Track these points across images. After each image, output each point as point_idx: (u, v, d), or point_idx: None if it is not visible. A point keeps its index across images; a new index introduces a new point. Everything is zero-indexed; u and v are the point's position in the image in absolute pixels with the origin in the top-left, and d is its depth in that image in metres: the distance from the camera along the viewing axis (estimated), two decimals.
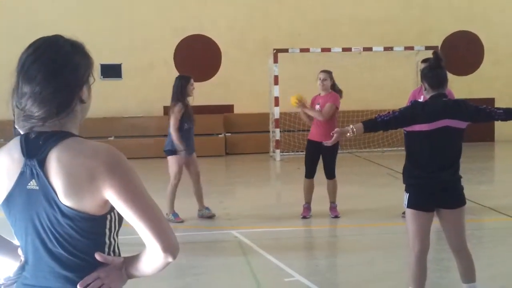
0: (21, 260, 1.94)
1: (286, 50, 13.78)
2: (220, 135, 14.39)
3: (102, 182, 1.78)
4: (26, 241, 1.88)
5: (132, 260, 1.91)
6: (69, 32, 1.96)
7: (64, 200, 1.78)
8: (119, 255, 1.94)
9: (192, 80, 7.52)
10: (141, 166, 10.35)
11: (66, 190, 1.78)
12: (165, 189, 7.50)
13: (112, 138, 13.67)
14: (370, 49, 14.08)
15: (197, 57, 14.82)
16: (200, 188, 7.69)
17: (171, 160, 7.45)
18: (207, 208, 7.75)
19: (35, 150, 1.82)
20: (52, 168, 1.79)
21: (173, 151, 7.38)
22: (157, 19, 14.69)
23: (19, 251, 1.96)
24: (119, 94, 14.34)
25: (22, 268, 1.92)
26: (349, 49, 13.97)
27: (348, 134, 4.23)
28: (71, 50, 1.89)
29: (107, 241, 1.88)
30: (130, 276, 1.93)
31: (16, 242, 2.00)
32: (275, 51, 13.70)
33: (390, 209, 7.85)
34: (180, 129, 7.32)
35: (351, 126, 4.25)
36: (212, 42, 15.06)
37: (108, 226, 1.87)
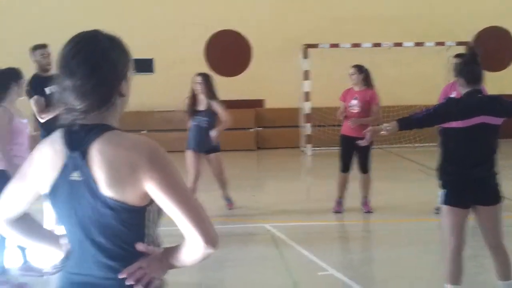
0: (65, 249, 2.00)
1: (316, 46, 13.77)
2: (251, 130, 14.47)
3: (142, 174, 1.83)
4: (71, 231, 1.94)
5: (173, 250, 1.95)
6: (101, 26, 2.01)
7: (106, 191, 1.83)
8: (159, 246, 1.98)
9: (194, 76, 7.54)
10: (173, 159, 10.46)
11: (108, 181, 1.83)
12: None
13: (144, 132, 13.84)
14: (400, 44, 13.99)
15: (228, 52, 14.90)
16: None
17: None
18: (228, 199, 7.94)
19: (77, 142, 1.87)
20: (94, 160, 1.84)
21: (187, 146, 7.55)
22: (188, 14, 14.79)
23: (63, 240, 2.02)
24: (150, 89, 14.48)
25: (67, 257, 1.99)
26: (379, 45, 13.91)
27: (382, 132, 4.25)
28: (110, 45, 1.93)
29: (147, 232, 1.93)
30: (170, 267, 1.96)
31: (59, 231, 2.07)
32: (305, 46, 13.67)
33: (422, 205, 7.84)
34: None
35: (385, 124, 4.27)
36: (242, 37, 15.11)
37: (148, 217, 1.91)
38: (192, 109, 7.47)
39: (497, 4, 15.37)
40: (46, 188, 1.93)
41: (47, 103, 6.28)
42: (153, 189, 1.84)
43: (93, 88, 1.86)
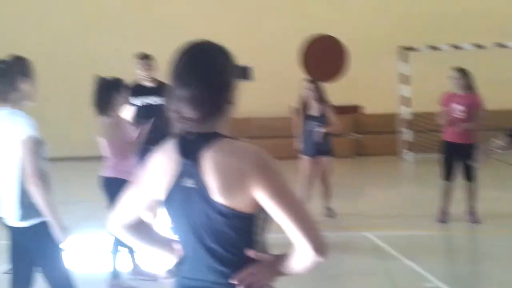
0: (178, 254, 2.05)
1: (412, 48, 13.42)
2: (348, 136, 14.30)
3: (252, 182, 1.86)
4: (184, 236, 1.99)
5: (282, 258, 1.97)
6: (202, 35, 2.05)
7: (218, 198, 1.87)
8: (267, 252, 2.00)
9: (304, 83, 7.59)
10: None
11: (220, 188, 1.86)
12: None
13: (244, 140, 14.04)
14: (503, 45, 13.31)
15: (324, 57, 14.81)
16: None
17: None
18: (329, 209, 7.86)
19: (190, 150, 1.92)
20: (207, 168, 1.88)
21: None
22: (282, 20, 14.87)
23: (176, 245, 2.07)
24: (247, 96, 14.64)
25: (181, 262, 2.04)
26: (480, 46, 13.31)
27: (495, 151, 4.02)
28: (220, 54, 1.98)
29: (256, 238, 1.95)
30: (279, 274, 1.98)
31: (171, 236, 2.12)
32: (401, 48, 13.36)
33: None
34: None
35: (496, 141, 4.02)
36: (338, 42, 14.95)
37: (257, 224, 1.94)
38: (305, 115, 7.53)
39: None
40: (161, 195, 1.99)
41: (137, 114, 6.48)
42: (263, 197, 1.88)
43: (205, 97, 1.91)
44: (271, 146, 13.68)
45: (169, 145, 2.00)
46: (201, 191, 1.89)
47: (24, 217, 3.39)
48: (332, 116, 7.60)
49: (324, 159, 7.69)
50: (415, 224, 7.47)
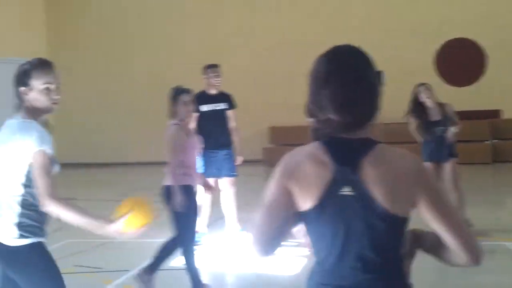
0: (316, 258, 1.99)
1: None
2: (486, 142, 13.72)
3: (417, 188, 1.87)
4: (332, 244, 1.91)
5: (439, 243, 1.94)
6: (335, 41, 2.07)
7: (382, 204, 1.84)
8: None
9: (420, 88, 7.37)
10: None
11: (385, 195, 1.84)
12: None
13: None
14: None
15: (460, 61, 14.31)
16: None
17: None
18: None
19: (347, 157, 1.88)
20: (369, 175, 1.85)
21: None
22: (414, 23, 14.57)
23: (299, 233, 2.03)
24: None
25: (321, 268, 1.96)
26: None
27: None
28: (368, 58, 1.95)
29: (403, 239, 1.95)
30: (423, 251, 2.01)
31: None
32: None
33: None
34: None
35: None
36: (476, 45, 14.39)
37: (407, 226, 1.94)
38: (424, 120, 7.35)
39: None
40: (308, 204, 1.90)
41: (200, 120, 6.76)
42: (425, 203, 1.88)
43: (355, 103, 1.88)
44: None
45: (313, 150, 1.92)
46: (362, 198, 1.85)
47: (20, 235, 2.99)
48: (454, 117, 7.33)
49: (448, 164, 7.36)
50: None
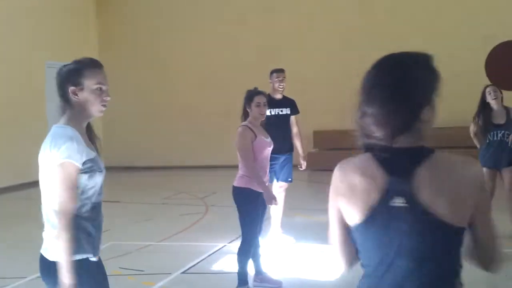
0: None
1: None
2: None
3: (473, 198, 1.83)
4: (383, 255, 1.87)
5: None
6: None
7: (441, 214, 1.78)
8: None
9: (488, 89, 7.15)
10: None
11: (443, 205, 1.78)
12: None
13: None
14: None
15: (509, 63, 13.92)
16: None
17: None
18: None
19: (400, 166, 1.83)
20: (424, 185, 1.79)
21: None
22: (465, 26, 14.26)
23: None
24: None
25: (367, 279, 1.94)
26: None
27: None
28: (413, 65, 1.86)
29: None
30: None
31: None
32: None
33: None
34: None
35: None
36: None
37: (462, 242, 1.86)
38: (487, 123, 7.14)
39: None
40: (356, 218, 1.89)
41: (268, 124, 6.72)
42: (477, 213, 1.86)
43: (390, 116, 1.82)
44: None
45: (362, 162, 1.90)
46: (415, 209, 1.79)
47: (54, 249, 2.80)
48: None
49: (507, 171, 7.17)
50: None
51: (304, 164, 7.62)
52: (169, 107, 16.28)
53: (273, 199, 5.30)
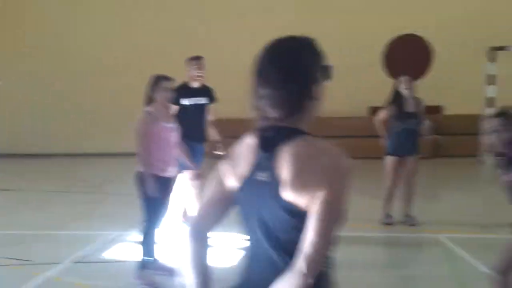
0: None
1: (502, 47, 12.98)
2: (427, 137, 13.97)
3: (322, 182, 1.78)
4: (251, 230, 1.95)
5: None
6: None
7: (287, 193, 1.81)
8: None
9: (404, 79, 7.46)
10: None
11: (290, 183, 1.80)
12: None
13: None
14: None
15: (407, 57, 14.52)
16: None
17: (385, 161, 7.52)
18: (409, 216, 7.58)
19: (269, 144, 1.89)
20: (281, 162, 1.83)
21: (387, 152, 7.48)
22: (364, 19, 14.74)
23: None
24: (328, 95, 14.60)
25: (246, 255, 1.99)
26: None
27: None
28: (300, 49, 1.92)
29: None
30: None
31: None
32: (491, 49, 12.94)
33: None
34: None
35: None
36: (424, 41, 14.63)
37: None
38: (398, 112, 7.37)
39: None
40: (235, 185, 1.98)
41: (180, 113, 6.59)
42: (319, 199, 1.79)
43: (285, 96, 1.88)
44: (351, 146, 13.73)
45: (250, 138, 1.99)
46: (272, 185, 1.84)
47: None
48: (424, 113, 7.49)
49: (411, 159, 7.50)
50: (491, 228, 7.28)
51: (222, 149, 7.41)
52: (69, 94, 15.77)
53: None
